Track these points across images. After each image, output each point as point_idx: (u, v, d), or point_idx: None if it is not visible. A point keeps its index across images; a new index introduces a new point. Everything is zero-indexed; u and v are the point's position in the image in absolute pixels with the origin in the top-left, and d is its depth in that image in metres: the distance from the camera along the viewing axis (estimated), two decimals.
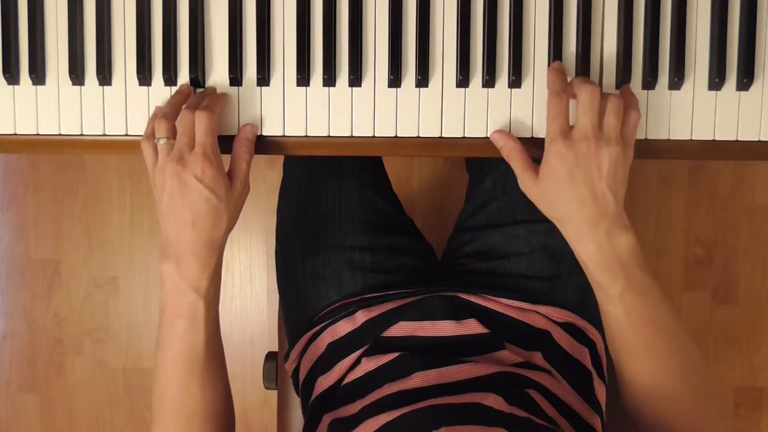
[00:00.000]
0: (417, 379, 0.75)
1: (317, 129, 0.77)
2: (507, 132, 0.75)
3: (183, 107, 0.71)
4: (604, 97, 0.69)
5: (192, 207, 0.68)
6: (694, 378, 0.71)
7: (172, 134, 0.70)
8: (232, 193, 0.71)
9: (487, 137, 0.77)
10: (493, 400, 0.70)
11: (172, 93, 0.76)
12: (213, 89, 0.76)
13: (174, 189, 0.69)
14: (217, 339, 0.74)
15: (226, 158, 0.72)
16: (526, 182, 0.72)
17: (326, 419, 0.78)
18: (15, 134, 0.77)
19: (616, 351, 0.73)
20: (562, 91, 0.71)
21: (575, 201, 0.68)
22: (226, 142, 0.75)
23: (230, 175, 0.72)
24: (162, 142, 0.70)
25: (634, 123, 0.71)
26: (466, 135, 0.77)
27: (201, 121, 0.69)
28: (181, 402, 0.71)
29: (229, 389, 0.77)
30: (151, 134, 0.72)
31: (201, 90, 0.76)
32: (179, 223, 0.69)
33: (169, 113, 0.71)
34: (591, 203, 0.68)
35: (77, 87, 0.76)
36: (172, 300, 0.70)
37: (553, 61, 0.76)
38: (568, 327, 0.86)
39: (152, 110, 0.76)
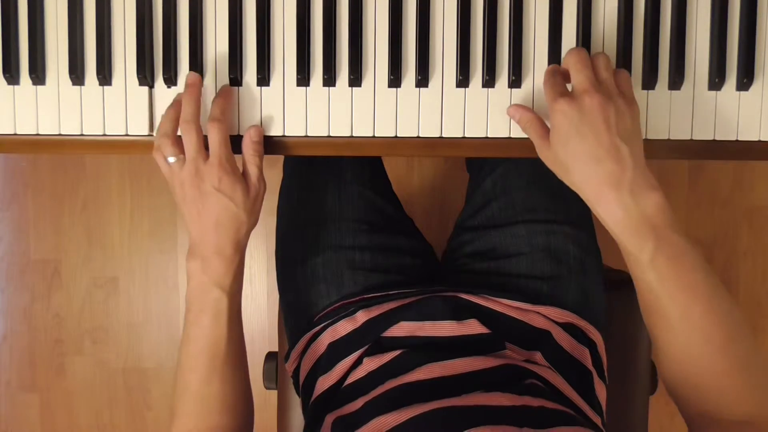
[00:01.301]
0: (420, 373, 0.75)
1: (317, 129, 0.77)
2: (522, 105, 0.75)
3: (182, 121, 0.72)
4: (594, 53, 0.71)
5: (213, 215, 0.72)
6: (736, 349, 0.66)
7: (180, 149, 0.72)
8: (249, 196, 0.73)
9: (487, 137, 0.77)
10: (500, 399, 0.69)
11: (172, 93, 0.76)
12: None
13: (195, 200, 0.72)
14: (240, 334, 0.77)
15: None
16: (542, 150, 0.71)
17: (329, 419, 0.78)
18: (15, 134, 0.77)
19: (649, 320, 0.70)
20: (557, 71, 0.73)
21: (589, 159, 0.66)
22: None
23: (244, 178, 0.74)
24: (172, 161, 0.72)
25: (626, 77, 0.71)
26: (466, 135, 0.77)
27: (213, 133, 0.72)
28: (202, 394, 0.74)
29: (249, 383, 0.80)
30: (159, 147, 0.74)
31: (180, 93, 0.75)
32: (203, 229, 0.72)
33: (169, 130, 0.73)
34: (605, 158, 0.65)
35: (77, 87, 0.76)
36: (197, 296, 0.73)
37: (553, 61, 0.76)
38: (568, 327, 0.86)
39: (152, 110, 0.76)
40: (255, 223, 0.75)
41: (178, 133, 0.73)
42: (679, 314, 0.65)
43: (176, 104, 0.74)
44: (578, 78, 0.68)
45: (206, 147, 0.72)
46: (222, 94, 0.75)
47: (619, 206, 0.65)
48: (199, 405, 0.74)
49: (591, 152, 0.65)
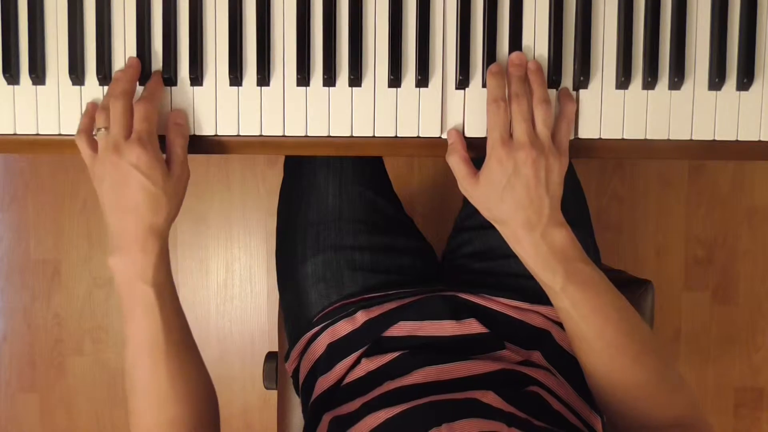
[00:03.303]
0: (417, 376, 0.76)
1: (317, 129, 0.77)
2: (462, 135, 0.76)
3: (111, 95, 0.71)
4: (534, 103, 0.72)
5: (130, 195, 0.69)
6: (648, 358, 0.73)
7: (109, 122, 0.71)
8: (171, 179, 0.71)
9: (487, 137, 0.76)
10: (492, 398, 0.70)
11: (171, 93, 0.76)
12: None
13: (112, 179, 0.70)
14: (179, 324, 0.74)
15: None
16: (466, 186, 0.74)
17: (326, 418, 0.78)
18: (15, 134, 0.77)
19: (572, 342, 0.75)
20: (500, 98, 0.73)
21: (513, 205, 0.71)
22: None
23: (167, 162, 0.72)
24: (101, 133, 0.71)
25: (566, 130, 0.74)
26: (466, 135, 0.77)
27: (138, 109, 0.70)
28: (149, 390, 0.72)
29: (203, 372, 0.77)
30: (84, 129, 0.73)
31: (119, 70, 0.75)
32: (120, 213, 0.70)
33: (106, 103, 0.72)
34: (527, 207, 0.71)
35: (77, 87, 0.76)
36: (125, 292, 0.71)
37: (554, 61, 0.76)
38: None
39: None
40: (176, 210, 0.73)
41: None
42: (594, 334, 0.72)
43: (115, 82, 0.74)
44: (518, 130, 0.71)
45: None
46: (151, 80, 0.75)
47: (532, 245, 0.72)
48: (149, 400, 0.72)
49: (517, 200, 0.71)
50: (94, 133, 0.72)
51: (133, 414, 0.73)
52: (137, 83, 0.74)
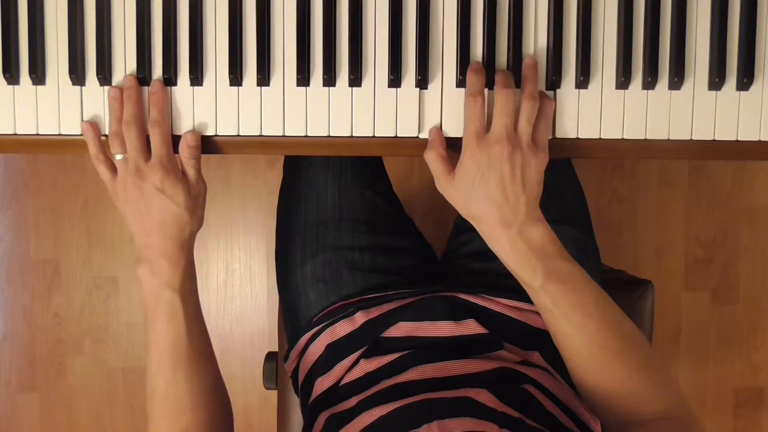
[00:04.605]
0: (413, 373, 0.76)
1: (317, 129, 0.77)
2: (442, 134, 0.76)
3: (123, 122, 0.73)
4: (521, 98, 0.71)
5: (156, 216, 0.73)
6: (632, 353, 0.72)
7: (126, 148, 0.74)
8: (191, 196, 0.75)
9: None
10: (486, 397, 0.70)
11: (171, 93, 0.76)
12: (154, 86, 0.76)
13: (137, 201, 0.73)
14: (200, 332, 0.78)
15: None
16: (442, 183, 0.74)
17: (322, 417, 0.78)
18: (15, 134, 0.77)
19: (557, 343, 0.75)
20: (478, 93, 0.72)
21: (488, 202, 0.71)
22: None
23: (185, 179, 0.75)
24: (119, 158, 0.74)
25: (545, 127, 0.73)
26: None
27: (155, 136, 0.74)
28: (170, 395, 0.75)
29: (218, 376, 0.80)
30: (98, 154, 0.75)
31: (115, 87, 0.75)
32: (147, 231, 0.74)
33: (117, 129, 0.74)
34: (503, 204, 0.70)
35: (77, 87, 0.76)
36: (151, 300, 0.75)
37: (554, 61, 0.76)
38: None
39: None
40: (199, 224, 0.77)
41: None
42: (576, 331, 0.71)
43: (113, 101, 0.75)
44: (497, 124, 0.71)
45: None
46: (155, 94, 0.75)
47: (509, 243, 0.71)
48: (168, 406, 0.75)
49: (491, 196, 0.70)
50: (114, 156, 0.74)
51: (152, 419, 0.76)
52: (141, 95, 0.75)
